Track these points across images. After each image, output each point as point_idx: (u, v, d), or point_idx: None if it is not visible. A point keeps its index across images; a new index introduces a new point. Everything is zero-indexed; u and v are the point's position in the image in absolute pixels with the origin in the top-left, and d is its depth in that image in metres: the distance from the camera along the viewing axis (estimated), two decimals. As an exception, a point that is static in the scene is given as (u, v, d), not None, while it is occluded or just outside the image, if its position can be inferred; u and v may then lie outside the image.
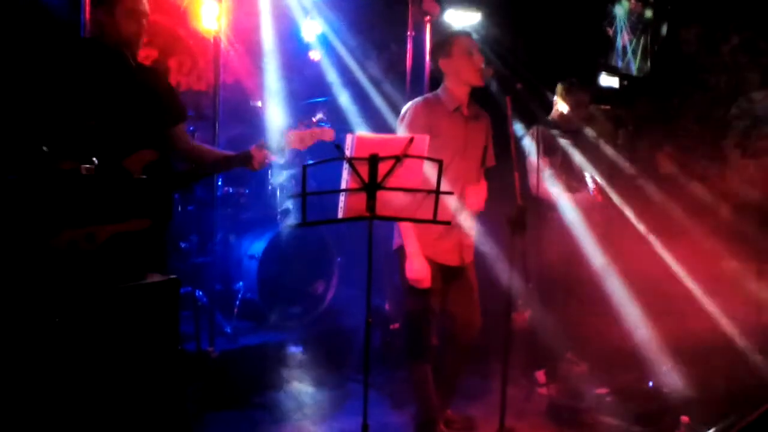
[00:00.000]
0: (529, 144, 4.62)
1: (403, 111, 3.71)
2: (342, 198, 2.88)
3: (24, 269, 2.47)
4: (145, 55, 5.57)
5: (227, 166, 3.31)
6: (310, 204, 2.74)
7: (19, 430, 2.41)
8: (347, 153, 2.79)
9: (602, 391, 4.37)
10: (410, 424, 3.99)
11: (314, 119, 3.45)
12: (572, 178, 4.65)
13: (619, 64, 6.66)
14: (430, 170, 2.92)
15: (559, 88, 4.79)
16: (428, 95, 3.77)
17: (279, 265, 4.71)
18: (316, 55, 6.26)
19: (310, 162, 2.79)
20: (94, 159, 2.57)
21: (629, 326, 4.64)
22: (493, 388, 4.23)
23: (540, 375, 4.66)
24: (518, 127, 4.63)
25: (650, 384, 4.41)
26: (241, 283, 4.83)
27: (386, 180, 2.83)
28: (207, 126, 4.73)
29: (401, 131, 3.61)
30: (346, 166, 2.83)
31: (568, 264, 4.53)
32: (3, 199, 2.46)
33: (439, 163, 2.86)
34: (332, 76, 5.96)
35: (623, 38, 6.64)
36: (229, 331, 4.53)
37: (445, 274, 3.72)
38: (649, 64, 6.78)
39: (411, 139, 2.84)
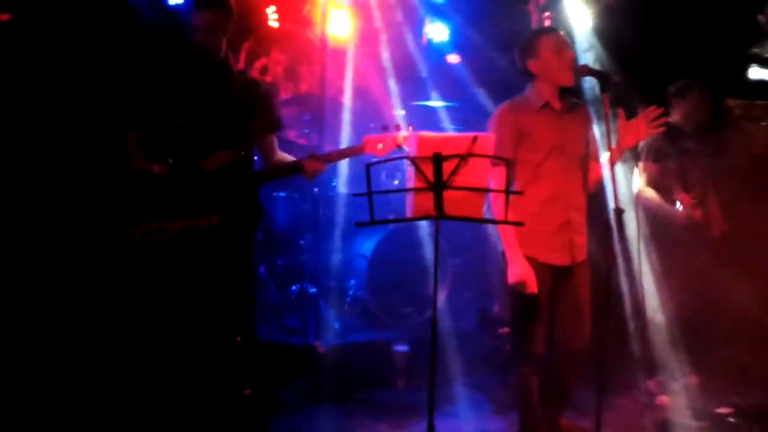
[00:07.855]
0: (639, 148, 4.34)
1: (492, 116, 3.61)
2: (409, 197, 2.89)
3: (92, 260, 2.72)
4: (276, 60, 5.90)
5: (284, 174, 3.34)
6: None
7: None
8: (410, 152, 2.80)
9: (724, 410, 4.01)
10: (510, 430, 3.89)
11: (398, 124, 3.36)
12: (679, 189, 4.32)
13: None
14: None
15: (670, 91, 4.46)
16: (516, 97, 3.61)
17: (389, 265, 4.77)
18: (454, 58, 6.30)
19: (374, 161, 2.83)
20: (170, 159, 2.78)
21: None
22: (610, 401, 3.99)
23: (652, 384, 4.35)
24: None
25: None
26: (352, 281, 4.96)
27: (452, 179, 2.79)
28: (325, 129, 4.89)
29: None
30: (410, 165, 2.83)
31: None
32: (77, 193, 2.73)
33: (507, 162, 2.79)
34: (463, 77, 5.98)
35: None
36: (337, 327, 4.66)
37: (555, 275, 3.51)
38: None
39: (475, 138, 2.79)
